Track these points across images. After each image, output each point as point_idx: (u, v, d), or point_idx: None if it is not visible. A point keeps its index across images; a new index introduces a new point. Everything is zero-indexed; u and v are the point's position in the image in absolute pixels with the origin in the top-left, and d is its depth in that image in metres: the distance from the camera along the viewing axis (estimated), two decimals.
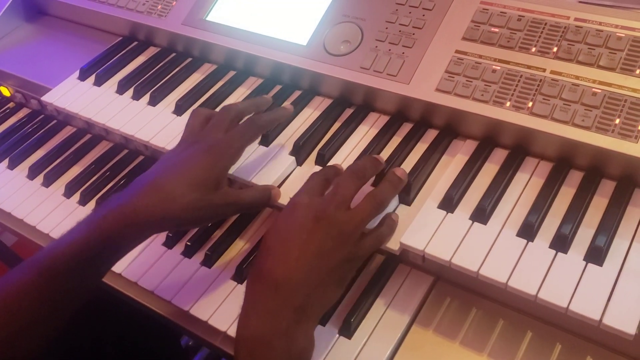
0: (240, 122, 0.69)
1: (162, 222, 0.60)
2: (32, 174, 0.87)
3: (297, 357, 0.52)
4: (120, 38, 0.98)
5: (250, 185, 0.70)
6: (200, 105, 0.82)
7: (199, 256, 0.72)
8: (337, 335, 0.61)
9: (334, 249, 0.55)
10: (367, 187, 0.63)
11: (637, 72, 0.62)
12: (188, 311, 0.66)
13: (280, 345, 0.51)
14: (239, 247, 0.72)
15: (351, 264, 0.57)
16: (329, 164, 0.70)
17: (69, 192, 0.83)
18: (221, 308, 0.66)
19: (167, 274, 0.71)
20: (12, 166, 0.90)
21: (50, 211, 0.81)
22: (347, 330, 0.61)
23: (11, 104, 1.03)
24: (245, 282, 0.68)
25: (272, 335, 0.52)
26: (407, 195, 0.64)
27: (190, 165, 0.61)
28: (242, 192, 0.66)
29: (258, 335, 0.52)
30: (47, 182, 0.86)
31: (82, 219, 0.60)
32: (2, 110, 1.02)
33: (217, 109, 0.79)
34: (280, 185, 0.70)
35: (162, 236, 0.75)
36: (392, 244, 0.61)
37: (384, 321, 0.62)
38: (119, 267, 0.71)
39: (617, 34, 0.64)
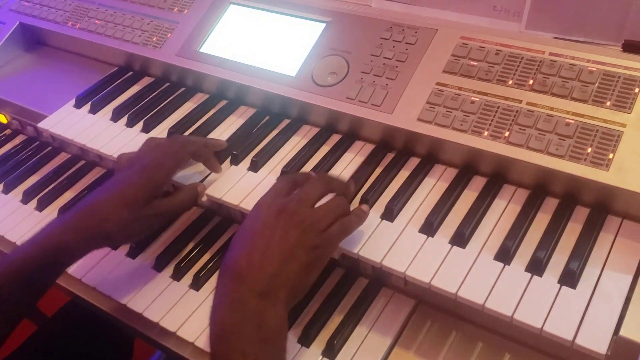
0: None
1: (99, 240, 0.67)
2: (26, 198, 0.89)
3: (269, 339, 0.53)
4: (116, 68, 1.01)
5: (238, 210, 0.72)
6: (191, 133, 0.84)
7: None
8: (321, 356, 0.62)
9: (296, 238, 0.57)
10: None
11: (608, 104, 0.65)
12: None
13: (250, 331, 0.52)
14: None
15: (318, 252, 0.58)
16: None
17: None
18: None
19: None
20: (6, 191, 0.91)
21: None
22: (331, 352, 0.62)
23: (7, 131, 1.05)
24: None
25: (241, 324, 0.53)
26: (390, 216, 0.67)
27: (123, 186, 0.68)
28: (171, 198, 0.71)
29: (228, 327, 0.53)
30: (41, 207, 0.87)
31: (28, 238, 0.66)
32: None
33: (209, 137, 0.82)
34: None
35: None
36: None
37: (366, 343, 0.63)
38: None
39: (589, 68, 0.68)
